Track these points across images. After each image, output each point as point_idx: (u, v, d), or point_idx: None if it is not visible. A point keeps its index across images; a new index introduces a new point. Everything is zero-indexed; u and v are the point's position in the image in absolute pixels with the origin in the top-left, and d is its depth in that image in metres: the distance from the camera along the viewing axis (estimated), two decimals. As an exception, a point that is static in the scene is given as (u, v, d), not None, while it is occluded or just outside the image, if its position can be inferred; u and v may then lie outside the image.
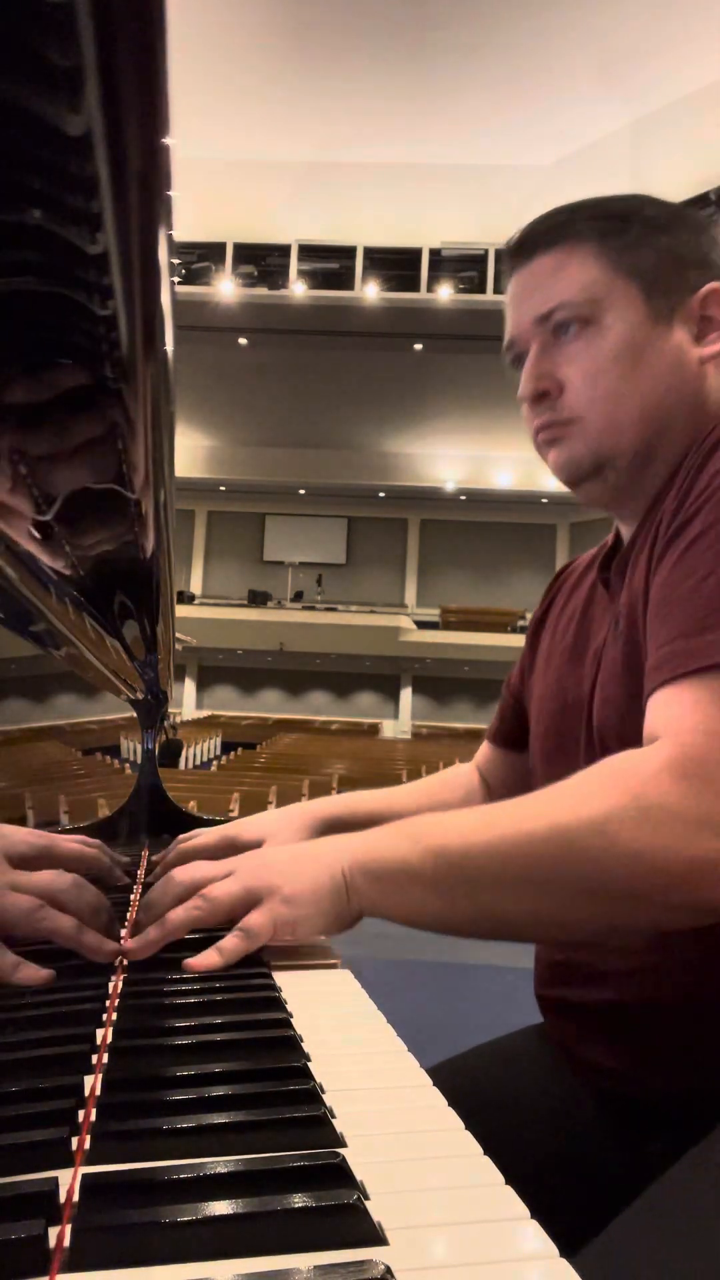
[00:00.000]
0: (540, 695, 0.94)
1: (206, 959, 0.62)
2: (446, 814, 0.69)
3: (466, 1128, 0.43)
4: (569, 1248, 0.34)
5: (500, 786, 1.08)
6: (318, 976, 0.67)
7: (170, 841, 1.17)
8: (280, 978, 0.64)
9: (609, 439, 0.80)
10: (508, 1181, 0.38)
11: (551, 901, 0.63)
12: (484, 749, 1.12)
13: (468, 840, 0.64)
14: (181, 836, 1.00)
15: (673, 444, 0.80)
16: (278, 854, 0.71)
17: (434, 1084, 0.48)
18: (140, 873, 1.02)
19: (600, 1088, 0.82)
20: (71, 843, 0.83)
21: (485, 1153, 0.40)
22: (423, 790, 1.11)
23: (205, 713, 21.59)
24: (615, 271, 0.80)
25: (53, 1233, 0.32)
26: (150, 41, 0.22)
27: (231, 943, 0.64)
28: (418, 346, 16.43)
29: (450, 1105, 0.45)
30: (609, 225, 0.80)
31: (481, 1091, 0.83)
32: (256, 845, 0.89)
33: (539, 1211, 0.35)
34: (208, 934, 0.66)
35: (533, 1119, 0.84)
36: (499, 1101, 0.83)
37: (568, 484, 0.85)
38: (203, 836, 0.97)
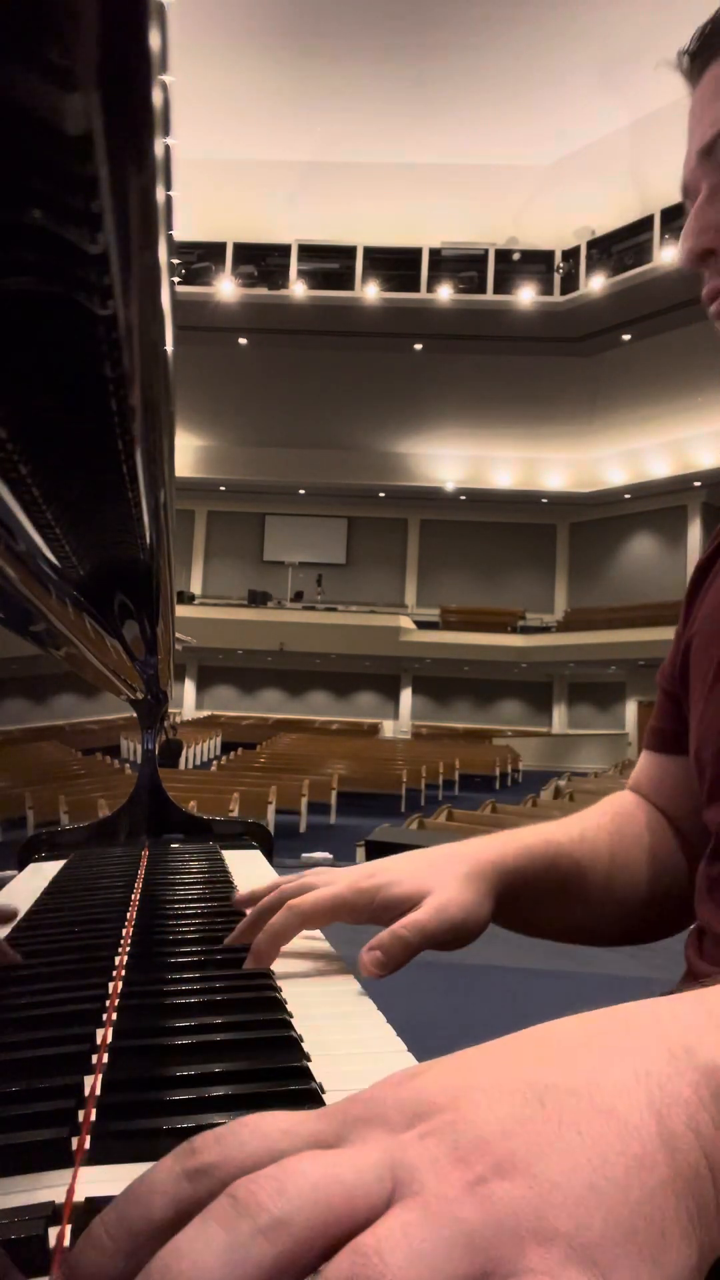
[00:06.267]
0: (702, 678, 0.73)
1: None
2: None
3: None
4: None
5: (668, 800, 0.86)
6: (321, 980, 0.66)
7: (170, 841, 1.17)
8: (281, 978, 0.64)
9: None
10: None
11: None
12: (643, 760, 0.89)
13: None
14: (290, 877, 0.72)
15: None
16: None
17: None
18: (140, 872, 1.02)
19: None
20: None
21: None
22: (585, 824, 0.84)
23: (205, 713, 21.60)
24: None
25: (53, 1232, 0.32)
26: (151, 41, 0.22)
27: None
28: (418, 346, 16.44)
29: None
30: None
31: None
32: (402, 902, 0.65)
33: None
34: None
35: None
36: None
37: None
38: (322, 887, 0.67)
